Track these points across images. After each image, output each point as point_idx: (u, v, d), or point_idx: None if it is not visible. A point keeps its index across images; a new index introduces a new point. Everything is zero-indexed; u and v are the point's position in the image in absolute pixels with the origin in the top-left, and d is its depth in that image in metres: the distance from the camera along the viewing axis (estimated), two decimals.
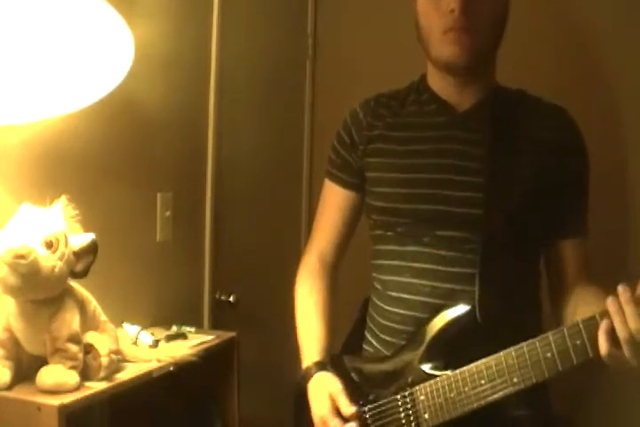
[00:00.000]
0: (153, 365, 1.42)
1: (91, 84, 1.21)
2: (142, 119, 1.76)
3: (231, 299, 2.11)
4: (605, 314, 1.03)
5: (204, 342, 1.67)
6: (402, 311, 1.30)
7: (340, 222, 1.44)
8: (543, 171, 1.27)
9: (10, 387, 1.23)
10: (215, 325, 2.07)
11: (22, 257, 1.17)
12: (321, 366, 1.33)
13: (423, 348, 1.23)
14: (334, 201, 1.44)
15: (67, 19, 1.13)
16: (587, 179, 1.34)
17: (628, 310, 1.00)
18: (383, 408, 1.25)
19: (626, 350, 1.01)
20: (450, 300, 1.24)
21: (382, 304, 1.35)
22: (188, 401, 1.71)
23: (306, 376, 1.34)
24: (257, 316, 2.24)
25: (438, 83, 1.33)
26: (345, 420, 1.23)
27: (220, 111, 2.09)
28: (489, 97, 1.32)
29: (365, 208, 1.41)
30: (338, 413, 1.23)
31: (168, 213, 1.89)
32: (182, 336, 1.69)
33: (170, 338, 1.65)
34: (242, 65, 2.24)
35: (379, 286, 1.37)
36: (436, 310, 1.24)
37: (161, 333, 1.68)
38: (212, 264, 2.09)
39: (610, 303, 1.02)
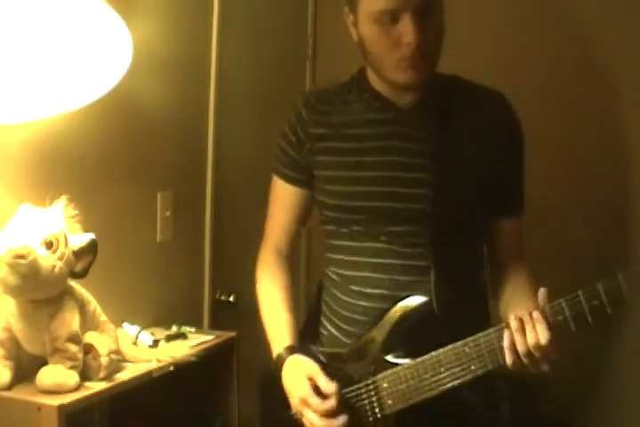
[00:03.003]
0: (153, 365, 1.42)
1: (89, 83, 1.21)
2: (142, 119, 1.76)
3: (231, 299, 2.12)
4: (498, 331, 1.17)
5: (204, 342, 1.67)
6: (364, 304, 1.34)
7: (291, 218, 1.47)
8: (485, 158, 1.32)
9: (10, 387, 1.23)
10: (215, 325, 2.07)
11: (22, 257, 1.17)
12: (293, 349, 1.35)
13: (384, 337, 1.28)
14: (284, 197, 1.46)
15: (65, 18, 1.13)
16: (522, 159, 1.40)
17: (528, 327, 1.13)
18: (348, 396, 1.28)
19: (525, 362, 1.14)
20: (409, 291, 1.30)
21: (343, 296, 1.38)
22: (188, 401, 1.71)
23: (278, 363, 1.34)
24: (257, 316, 2.24)
25: (380, 84, 1.35)
26: (324, 398, 1.24)
27: (219, 111, 2.09)
28: (430, 91, 1.33)
29: (317, 204, 1.43)
30: (318, 392, 1.25)
31: (168, 213, 1.89)
32: (182, 336, 1.69)
33: (170, 338, 1.65)
34: (242, 65, 2.24)
35: (337, 279, 1.40)
36: (396, 301, 1.29)
37: (161, 333, 1.68)
38: (211, 264, 2.09)
39: (512, 321, 1.14)
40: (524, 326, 1.13)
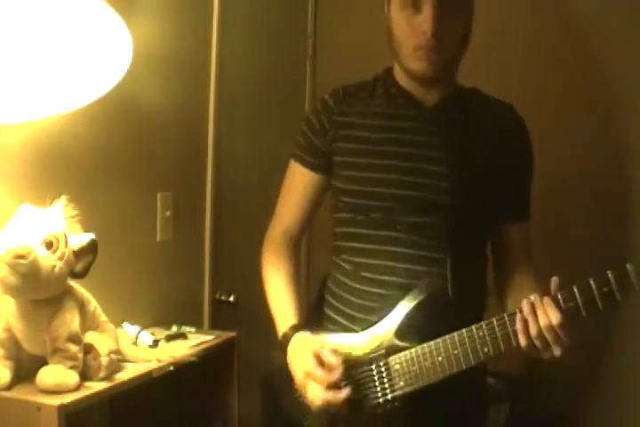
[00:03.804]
0: (153, 365, 1.43)
1: (89, 83, 1.21)
2: (142, 119, 1.76)
3: (231, 299, 2.12)
4: (512, 315, 1.21)
5: (204, 342, 1.67)
6: (379, 291, 1.36)
7: (305, 202, 1.50)
8: (497, 161, 1.38)
9: (10, 387, 1.23)
10: (215, 325, 2.07)
11: (22, 257, 1.17)
12: (299, 327, 1.37)
13: (398, 323, 1.31)
14: (300, 182, 1.50)
15: (65, 18, 1.13)
16: (531, 168, 1.46)
17: (540, 311, 1.18)
18: (358, 377, 1.31)
19: (538, 344, 1.18)
20: (423, 280, 1.34)
21: (354, 284, 1.40)
22: (188, 401, 1.71)
23: (284, 341, 1.36)
24: (257, 316, 2.24)
25: (406, 81, 1.42)
26: (329, 371, 1.27)
27: (219, 111, 2.09)
28: (451, 96, 1.42)
29: (333, 191, 1.46)
30: (322, 366, 1.28)
31: (168, 213, 1.89)
32: (182, 336, 1.69)
33: (170, 338, 1.65)
34: (242, 65, 2.24)
35: (348, 267, 1.42)
36: (411, 288, 1.33)
37: (161, 333, 1.68)
38: (211, 264, 2.09)
39: (525, 305, 1.19)
40: (536, 310, 1.18)
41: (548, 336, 1.17)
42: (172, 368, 1.45)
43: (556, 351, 1.18)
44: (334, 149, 1.43)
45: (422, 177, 1.35)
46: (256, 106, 2.33)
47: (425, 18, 1.30)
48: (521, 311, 1.19)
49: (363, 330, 1.35)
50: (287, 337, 1.36)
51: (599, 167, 2.34)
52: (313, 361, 1.28)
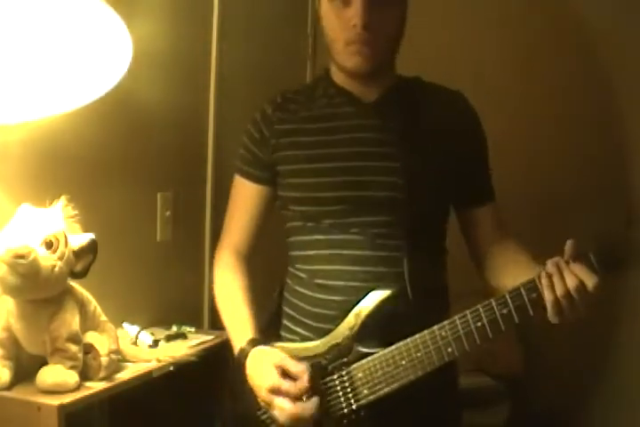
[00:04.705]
0: (153, 365, 1.43)
1: (89, 83, 1.21)
2: (142, 119, 1.76)
3: None
4: (530, 283, 1.16)
5: (204, 342, 1.67)
6: (335, 298, 1.31)
7: (253, 216, 1.47)
8: (450, 149, 1.35)
9: (10, 387, 1.23)
10: (215, 325, 2.06)
11: (22, 257, 1.17)
12: (257, 342, 1.32)
13: (357, 328, 1.26)
14: (246, 196, 1.46)
15: (65, 18, 1.13)
16: (486, 149, 1.43)
17: (565, 269, 1.14)
18: (321, 389, 1.25)
19: (564, 305, 1.14)
20: (380, 282, 1.29)
21: (311, 293, 1.36)
22: (188, 401, 1.71)
23: (241, 357, 1.31)
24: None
25: (342, 79, 1.38)
26: (294, 381, 1.23)
27: (219, 111, 2.09)
28: (391, 89, 1.38)
29: (281, 201, 1.42)
30: (287, 376, 1.24)
31: (168, 213, 1.89)
32: (182, 336, 1.69)
33: (170, 338, 1.65)
34: (242, 65, 2.24)
35: (303, 276, 1.38)
36: (369, 291, 1.28)
37: (161, 333, 1.68)
38: (211, 264, 2.08)
39: (549, 265, 1.16)
40: (562, 271, 1.14)
41: (576, 296, 1.12)
42: (171, 368, 1.45)
43: (580, 313, 1.14)
44: (277, 159, 1.39)
45: (369, 175, 1.31)
46: (256, 106, 2.32)
47: (355, 11, 1.26)
48: (535, 280, 1.15)
49: (322, 338, 1.30)
50: (245, 352, 1.31)
51: (600, 167, 2.35)
52: (276, 374, 1.23)
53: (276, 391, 1.23)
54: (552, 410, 2.31)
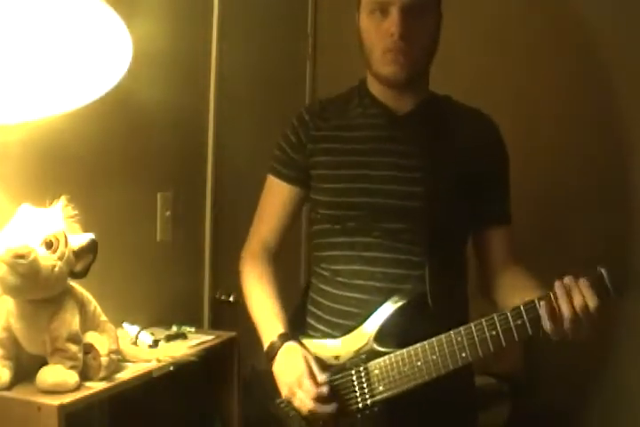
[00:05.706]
0: (153, 365, 1.42)
1: (89, 83, 1.21)
2: (142, 119, 1.76)
3: (231, 299, 2.11)
4: (544, 298, 1.20)
5: (204, 342, 1.67)
6: (357, 296, 1.38)
7: (284, 214, 1.53)
8: (472, 167, 1.41)
9: (10, 387, 1.23)
10: (215, 325, 2.07)
11: (22, 257, 1.17)
12: (287, 337, 1.39)
13: (377, 328, 1.33)
14: (278, 195, 1.53)
15: (65, 18, 1.13)
16: (508, 173, 1.49)
17: (575, 291, 1.18)
18: (338, 382, 1.32)
19: (567, 327, 1.18)
20: (401, 284, 1.36)
21: (333, 290, 1.43)
22: (188, 401, 1.71)
23: (272, 351, 1.38)
24: None
25: (378, 90, 1.45)
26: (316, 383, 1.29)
27: (220, 111, 2.09)
28: (424, 103, 1.45)
29: (311, 204, 1.50)
30: (312, 376, 1.30)
31: (168, 213, 1.89)
32: (182, 336, 1.69)
33: (170, 338, 1.65)
34: (242, 65, 2.24)
35: (327, 274, 1.45)
36: (389, 292, 1.35)
37: (161, 333, 1.68)
38: (211, 264, 2.09)
39: (557, 287, 1.20)
40: (571, 291, 1.18)
41: (583, 317, 1.17)
42: (171, 368, 1.45)
43: (585, 333, 1.19)
44: (311, 163, 1.46)
45: (392, 184, 1.37)
46: (256, 106, 2.33)
47: (392, 21, 1.33)
48: (553, 293, 1.19)
49: (342, 335, 1.37)
50: (275, 346, 1.38)
51: (600, 168, 2.35)
52: (305, 369, 1.30)
53: (299, 384, 1.29)
54: (552, 410, 2.30)
